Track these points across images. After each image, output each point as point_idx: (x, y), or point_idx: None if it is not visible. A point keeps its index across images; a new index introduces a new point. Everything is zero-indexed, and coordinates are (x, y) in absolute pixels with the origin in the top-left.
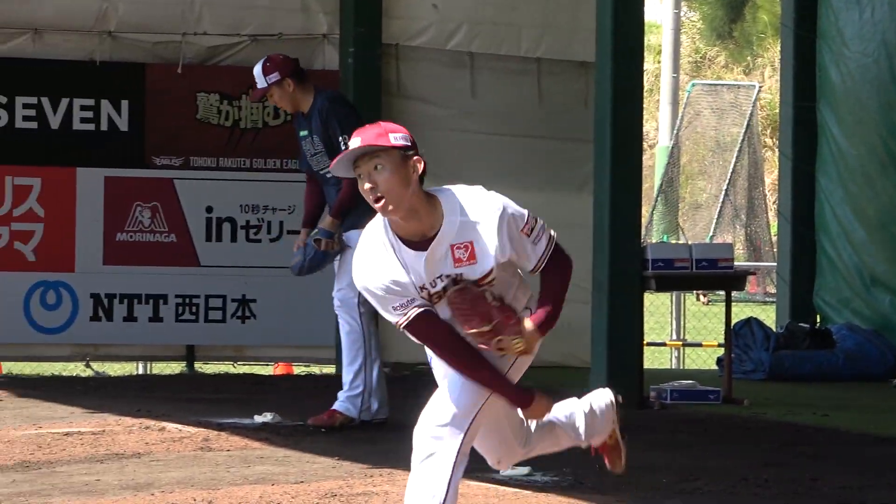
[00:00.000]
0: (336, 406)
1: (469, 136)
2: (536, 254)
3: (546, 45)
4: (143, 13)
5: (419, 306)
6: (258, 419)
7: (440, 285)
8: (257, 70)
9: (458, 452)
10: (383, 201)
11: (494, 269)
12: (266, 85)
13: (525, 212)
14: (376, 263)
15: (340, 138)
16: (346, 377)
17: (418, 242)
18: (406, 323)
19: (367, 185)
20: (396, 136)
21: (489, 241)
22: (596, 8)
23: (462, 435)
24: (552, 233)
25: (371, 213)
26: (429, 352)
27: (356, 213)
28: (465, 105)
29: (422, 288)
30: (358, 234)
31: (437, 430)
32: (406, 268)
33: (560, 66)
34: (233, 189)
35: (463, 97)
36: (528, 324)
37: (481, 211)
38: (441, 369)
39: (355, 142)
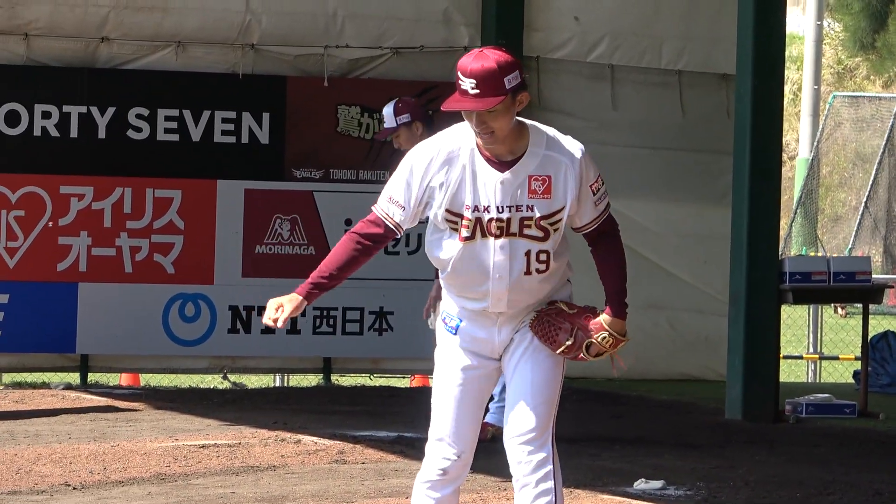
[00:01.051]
0: (488, 418)
1: (609, 149)
2: (592, 214)
3: (687, 56)
4: (286, 26)
5: (396, 221)
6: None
7: (506, 215)
8: (388, 110)
9: (554, 454)
10: (490, 136)
11: (564, 212)
12: (395, 125)
13: (597, 171)
14: (439, 153)
15: None
16: (496, 388)
17: (497, 163)
18: (372, 216)
19: (478, 124)
20: (510, 78)
21: (568, 182)
22: (737, 19)
23: (551, 437)
24: (609, 202)
25: None
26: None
27: None
28: (605, 117)
29: (485, 209)
30: None
31: (531, 441)
32: (471, 181)
33: (701, 78)
34: (372, 201)
35: (603, 109)
36: (605, 316)
37: (567, 151)
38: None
39: (469, 83)
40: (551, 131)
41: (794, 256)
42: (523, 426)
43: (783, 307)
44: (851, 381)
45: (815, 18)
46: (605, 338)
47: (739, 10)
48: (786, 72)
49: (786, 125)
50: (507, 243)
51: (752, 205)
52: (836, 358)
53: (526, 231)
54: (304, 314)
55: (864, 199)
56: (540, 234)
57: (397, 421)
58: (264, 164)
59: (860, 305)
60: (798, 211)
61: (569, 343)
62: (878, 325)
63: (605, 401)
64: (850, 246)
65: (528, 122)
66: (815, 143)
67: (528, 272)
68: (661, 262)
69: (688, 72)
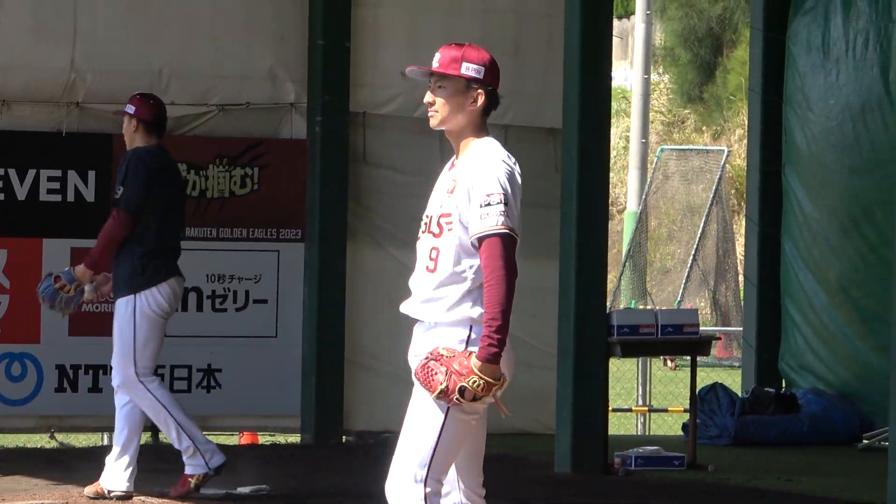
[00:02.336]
0: (187, 471)
1: None
2: (476, 226)
3: (514, 111)
4: (111, 83)
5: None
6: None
7: (433, 213)
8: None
9: (422, 497)
10: (432, 114)
11: (454, 215)
12: (127, 111)
13: (500, 188)
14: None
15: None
16: (175, 445)
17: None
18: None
19: (427, 98)
20: (469, 67)
21: (464, 188)
22: (563, 74)
23: (422, 482)
24: (510, 225)
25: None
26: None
27: (138, 277)
28: (433, 172)
29: (428, 207)
30: (131, 301)
31: (398, 483)
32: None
33: (528, 132)
34: (199, 258)
35: (431, 164)
36: (475, 360)
37: (477, 160)
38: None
39: (436, 57)
40: (490, 145)
41: (623, 309)
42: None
43: (612, 360)
44: (680, 433)
45: (643, 72)
46: (475, 382)
47: (565, 64)
48: (614, 125)
49: (614, 178)
50: (424, 239)
51: (580, 258)
52: (666, 410)
53: (433, 228)
54: None
55: (693, 252)
56: (437, 230)
57: (227, 478)
58: (90, 223)
59: (689, 358)
60: (627, 264)
61: (442, 388)
62: (706, 378)
63: None
64: (678, 298)
65: (486, 138)
66: (644, 196)
67: (427, 269)
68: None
69: (515, 126)
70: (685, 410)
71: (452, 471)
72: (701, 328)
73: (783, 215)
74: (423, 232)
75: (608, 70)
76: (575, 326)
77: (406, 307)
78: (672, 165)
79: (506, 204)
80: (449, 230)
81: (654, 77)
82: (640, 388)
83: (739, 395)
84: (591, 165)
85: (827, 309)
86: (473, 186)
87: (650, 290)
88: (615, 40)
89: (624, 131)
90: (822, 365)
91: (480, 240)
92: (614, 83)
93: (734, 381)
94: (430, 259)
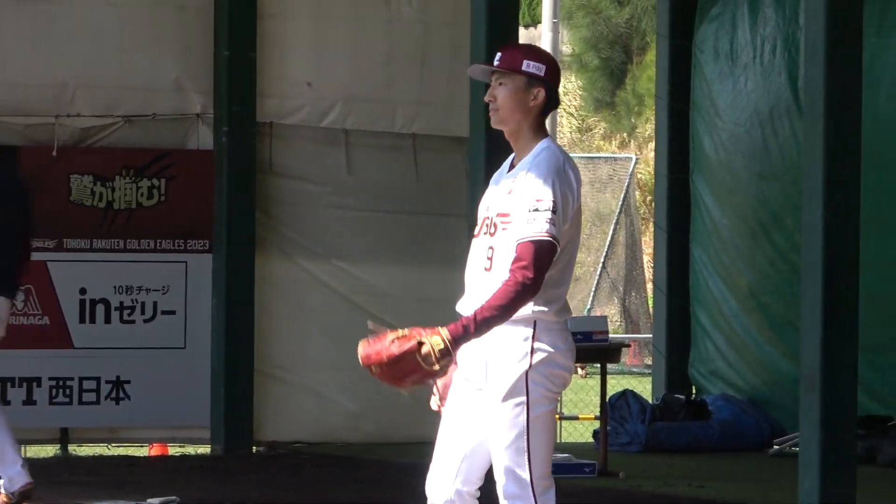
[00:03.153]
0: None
1: (345, 213)
2: (520, 231)
3: (421, 120)
4: (16, 96)
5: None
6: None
7: (483, 218)
8: None
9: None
10: (493, 112)
11: (511, 215)
12: None
13: (551, 195)
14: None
15: None
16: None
17: (509, 168)
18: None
19: (487, 97)
20: (530, 64)
21: (519, 188)
22: (470, 83)
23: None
24: (553, 233)
25: None
26: None
27: None
28: (340, 182)
29: (486, 207)
30: None
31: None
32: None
33: (436, 141)
34: (106, 270)
35: (338, 174)
36: (444, 330)
37: (538, 164)
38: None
39: (497, 56)
40: (552, 150)
41: None
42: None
43: None
44: (591, 440)
45: None
46: (437, 341)
47: None
48: None
49: None
50: (481, 238)
51: None
52: (576, 418)
53: (490, 227)
54: (39, 384)
55: (602, 260)
56: (493, 229)
57: (137, 490)
58: None
59: (599, 365)
60: None
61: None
62: (616, 385)
63: (345, 466)
64: (588, 306)
65: (546, 140)
66: None
67: (484, 269)
68: (400, 326)
69: (422, 135)
70: (596, 418)
71: (456, 459)
72: (611, 335)
73: (692, 222)
74: (480, 231)
75: None
76: None
77: (462, 307)
78: (581, 174)
79: (553, 212)
80: (504, 230)
81: (563, 85)
82: None
83: (650, 401)
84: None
85: (737, 315)
86: (527, 190)
87: None
88: None
89: None
90: (733, 371)
91: (526, 242)
92: None
93: (644, 388)
94: (487, 259)
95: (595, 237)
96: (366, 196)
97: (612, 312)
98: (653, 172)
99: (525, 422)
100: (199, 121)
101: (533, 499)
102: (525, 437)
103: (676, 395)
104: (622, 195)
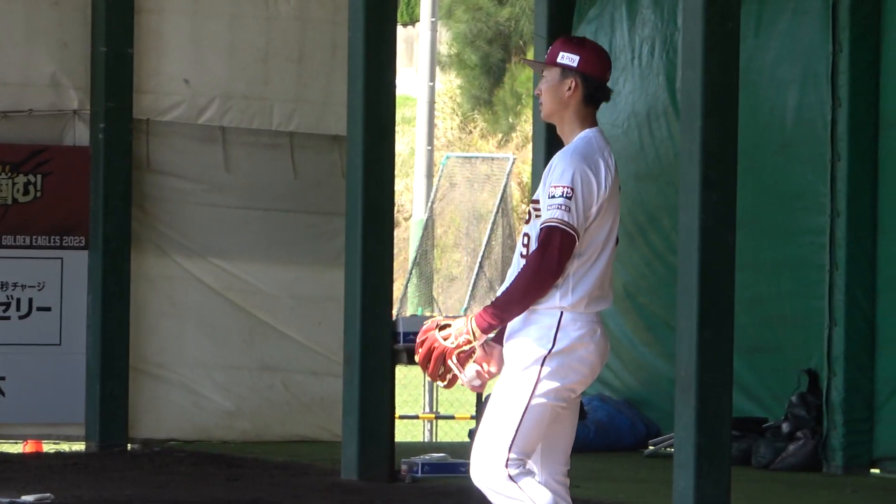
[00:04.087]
0: None
1: (222, 210)
2: (544, 214)
3: (299, 118)
4: None
5: None
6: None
7: (529, 206)
8: None
9: (508, 475)
10: (540, 104)
11: (542, 202)
12: None
13: (569, 182)
14: None
15: None
16: None
17: None
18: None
19: (536, 90)
20: (564, 56)
21: (546, 175)
22: (348, 81)
23: (504, 464)
24: (565, 220)
25: None
26: None
27: None
28: (217, 179)
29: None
30: None
31: (483, 466)
32: None
33: (313, 139)
34: (3, 266)
35: (215, 171)
36: (471, 318)
37: (563, 153)
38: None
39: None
40: (584, 139)
41: (409, 316)
42: None
43: (398, 367)
44: (467, 439)
45: (428, 80)
46: (458, 329)
47: (350, 71)
48: (400, 132)
49: (400, 186)
50: (524, 228)
51: (366, 266)
52: (452, 417)
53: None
54: None
55: (479, 259)
56: (528, 217)
57: (11, 487)
58: None
59: None
60: (413, 271)
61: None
62: (492, 384)
63: (220, 464)
64: (465, 306)
65: (586, 130)
66: (430, 204)
67: (521, 255)
68: (275, 324)
69: (300, 133)
70: (472, 417)
71: (536, 456)
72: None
73: None
74: (525, 221)
75: (392, 77)
76: (361, 334)
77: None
78: (458, 173)
79: (568, 198)
80: (536, 217)
81: (441, 84)
82: (426, 395)
83: None
84: (376, 172)
85: (613, 315)
86: (549, 177)
87: (437, 297)
88: (400, 47)
89: (410, 139)
90: (609, 371)
91: (541, 229)
92: (400, 90)
93: None
94: (523, 245)
95: (472, 237)
96: (243, 194)
97: None
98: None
99: (526, 402)
100: (75, 117)
101: (501, 471)
102: (521, 414)
103: None
104: (500, 194)
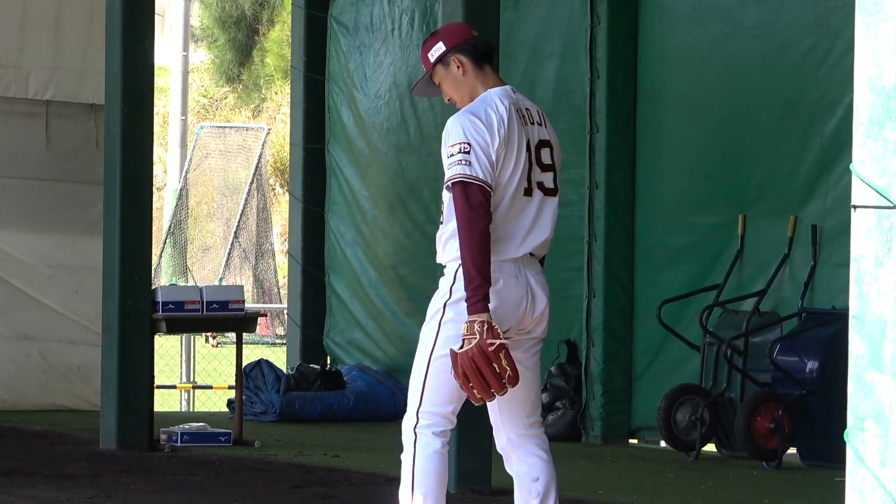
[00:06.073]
0: None
1: None
2: (446, 173)
3: (55, 87)
4: None
5: None
6: None
7: None
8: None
9: (415, 432)
10: (457, 103)
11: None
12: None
13: (462, 138)
14: None
15: None
16: None
17: None
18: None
19: (446, 99)
20: (432, 53)
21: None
22: (105, 50)
23: (415, 414)
24: (466, 172)
25: None
26: None
27: None
28: None
29: None
30: None
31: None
32: None
33: (69, 107)
34: None
35: None
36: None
37: (454, 116)
38: None
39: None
40: (477, 101)
41: (167, 286)
42: None
43: (157, 337)
44: (226, 409)
45: (182, 49)
46: (465, 329)
47: (107, 40)
48: (155, 102)
49: (155, 156)
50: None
51: (124, 235)
52: (210, 387)
53: None
54: None
55: (234, 230)
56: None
57: None
58: None
59: (232, 336)
60: (167, 241)
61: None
62: (251, 354)
63: None
64: (220, 276)
65: (491, 89)
66: (184, 174)
67: (440, 222)
68: (31, 293)
69: (56, 101)
70: (230, 387)
71: (495, 413)
72: (246, 305)
73: (328, 193)
74: None
75: (151, 46)
76: (119, 303)
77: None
78: (212, 143)
79: (465, 153)
80: (446, 185)
81: (194, 58)
82: (183, 364)
83: (285, 371)
84: (134, 141)
85: (375, 286)
86: (445, 141)
87: (191, 267)
88: (156, 17)
89: (163, 108)
90: (371, 341)
91: (448, 189)
92: (156, 60)
93: (278, 357)
94: (441, 212)
95: (225, 207)
96: None
97: (243, 282)
98: (283, 143)
99: (428, 356)
100: None
101: (409, 425)
102: (425, 369)
103: (311, 365)
104: (255, 165)
